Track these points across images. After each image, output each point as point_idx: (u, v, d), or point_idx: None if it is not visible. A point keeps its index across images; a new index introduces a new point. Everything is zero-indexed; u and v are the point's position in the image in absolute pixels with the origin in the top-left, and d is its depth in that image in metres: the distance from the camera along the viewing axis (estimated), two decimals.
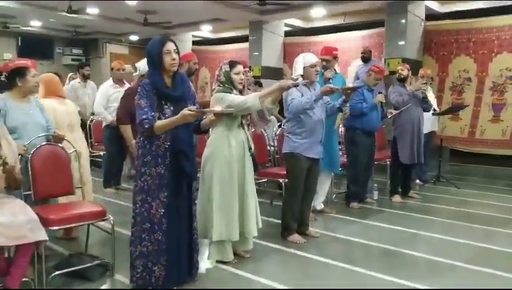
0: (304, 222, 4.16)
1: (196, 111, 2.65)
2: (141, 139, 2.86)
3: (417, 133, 5.56)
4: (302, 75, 3.83)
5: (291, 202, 4.02)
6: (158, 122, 2.71)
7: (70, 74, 8.24)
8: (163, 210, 2.83)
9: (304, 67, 3.90)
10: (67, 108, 3.99)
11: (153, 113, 2.73)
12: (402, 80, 5.63)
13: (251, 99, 3.22)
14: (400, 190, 5.73)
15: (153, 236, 2.83)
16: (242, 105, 3.21)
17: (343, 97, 4.18)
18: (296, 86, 3.47)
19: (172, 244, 2.87)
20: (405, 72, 5.63)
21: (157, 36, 2.94)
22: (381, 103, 5.23)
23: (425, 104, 5.62)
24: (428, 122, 6.25)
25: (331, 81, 4.57)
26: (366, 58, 7.62)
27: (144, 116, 2.70)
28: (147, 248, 2.84)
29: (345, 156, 5.39)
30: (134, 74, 5.01)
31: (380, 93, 5.28)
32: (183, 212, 2.93)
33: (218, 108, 2.92)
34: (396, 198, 5.64)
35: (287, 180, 4.22)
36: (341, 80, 4.74)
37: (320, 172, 4.31)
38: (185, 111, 2.62)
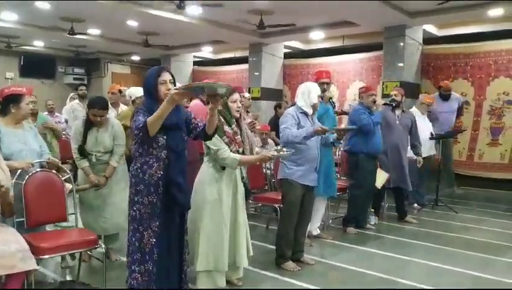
0: (299, 249, 4.13)
1: (182, 87, 2.56)
2: (135, 167, 2.87)
3: (395, 158, 5.41)
4: (284, 147, 3.65)
5: (287, 229, 4.00)
6: (149, 118, 2.61)
7: (71, 94, 8.28)
8: (154, 240, 2.82)
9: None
10: None
11: (145, 118, 2.66)
12: (394, 106, 5.44)
13: (230, 161, 3.22)
14: (396, 214, 5.73)
15: (143, 267, 2.82)
16: (221, 158, 3.23)
17: (335, 135, 4.27)
18: (278, 157, 3.47)
19: (162, 274, 2.84)
20: (399, 98, 5.47)
21: (153, 67, 2.96)
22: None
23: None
24: (426, 147, 6.19)
25: (331, 100, 4.72)
26: (445, 96, 6.94)
27: (137, 123, 2.68)
28: (137, 280, 2.82)
29: (343, 179, 5.35)
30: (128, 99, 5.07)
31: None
32: (174, 243, 2.91)
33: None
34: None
35: (282, 205, 4.21)
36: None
37: (315, 197, 4.30)
38: (172, 91, 2.56)
